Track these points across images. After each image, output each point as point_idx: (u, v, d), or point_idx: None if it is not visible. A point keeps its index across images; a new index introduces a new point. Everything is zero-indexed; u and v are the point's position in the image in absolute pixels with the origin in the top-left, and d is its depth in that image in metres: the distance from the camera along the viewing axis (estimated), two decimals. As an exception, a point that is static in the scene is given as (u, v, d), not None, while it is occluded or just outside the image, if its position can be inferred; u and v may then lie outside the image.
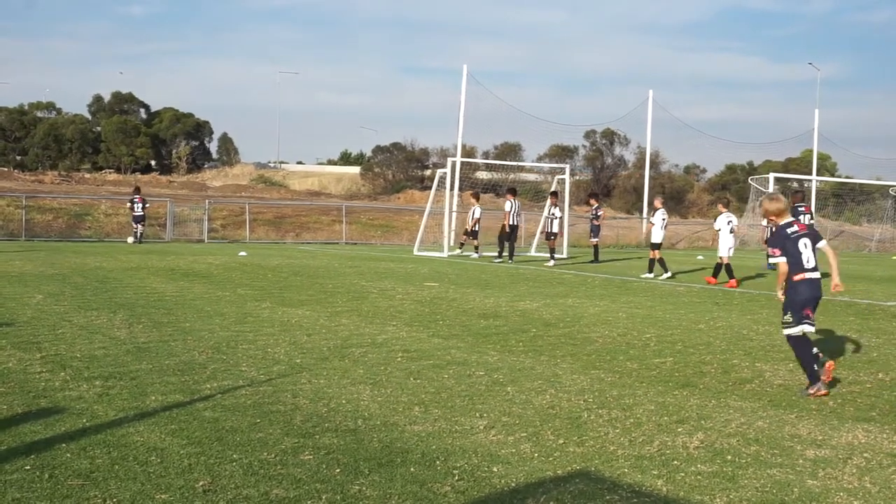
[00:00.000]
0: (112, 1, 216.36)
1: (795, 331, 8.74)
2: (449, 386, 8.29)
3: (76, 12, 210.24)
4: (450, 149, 69.16)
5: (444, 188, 31.41)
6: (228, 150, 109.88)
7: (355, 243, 39.70)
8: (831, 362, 8.73)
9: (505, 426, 6.86)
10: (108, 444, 6.02)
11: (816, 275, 8.75)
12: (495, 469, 5.77)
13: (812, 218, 25.24)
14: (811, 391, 8.40)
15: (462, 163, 32.98)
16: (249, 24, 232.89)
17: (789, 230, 8.83)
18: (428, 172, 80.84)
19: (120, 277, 18.04)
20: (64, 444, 5.99)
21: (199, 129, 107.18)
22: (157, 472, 5.49)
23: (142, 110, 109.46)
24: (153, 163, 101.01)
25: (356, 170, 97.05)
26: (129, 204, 35.29)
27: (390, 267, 23.66)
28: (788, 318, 8.81)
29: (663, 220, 22.83)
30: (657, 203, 23.63)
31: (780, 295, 9.03)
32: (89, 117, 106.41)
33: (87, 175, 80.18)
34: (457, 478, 5.56)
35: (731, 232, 20.91)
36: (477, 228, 29.82)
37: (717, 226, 21.33)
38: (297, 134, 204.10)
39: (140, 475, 5.41)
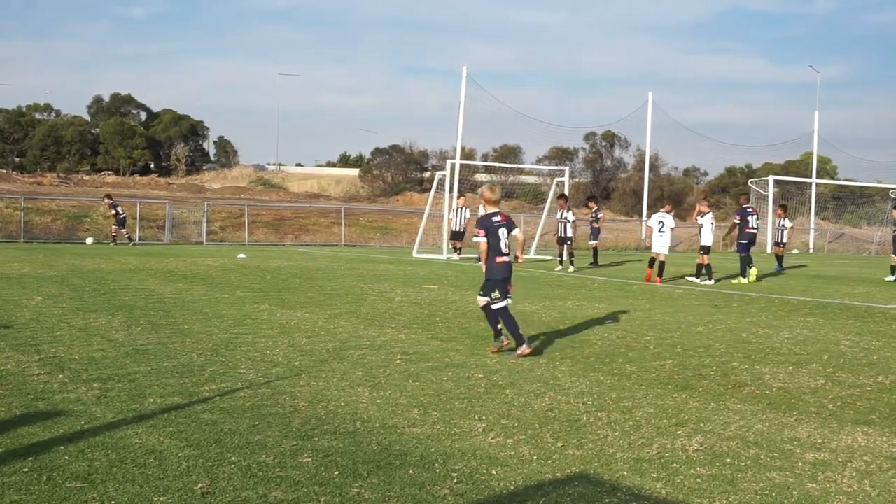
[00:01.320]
0: (112, 2, 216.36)
1: (504, 304, 10.44)
2: (448, 388, 8.28)
3: (76, 13, 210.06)
4: (449, 151, 69.21)
5: (444, 190, 31.41)
6: (227, 152, 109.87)
7: (354, 245, 39.71)
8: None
9: (504, 429, 6.85)
10: (107, 447, 6.00)
11: (509, 259, 10.56)
12: (494, 472, 5.75)
13: (758, 219, 25.95)
14: (519, 351, 10.14)
15: (461, 165, 32.93)
16: (249, 25, 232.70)
17: (494, 219, 10.46)
18: (427, 175, 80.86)
19: (119, 279, 18.03)
20: (62, 447, 5.97)
21: (194, 131, 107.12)
22: (155, 474, 5.48)
23: (141, 112, 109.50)
24: (152, 164, 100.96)
25: (355, 172, 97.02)
26: (113, 211, 34.60)
27: (389, 269, 23.66)
28: (497, 294, 10.46)
29: (712, 223, 22.73)
30: (704, 206, 23.17)
31: (483, 267, 10.67)
32: (88, 119, 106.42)
33: (86, 177, 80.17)
34: (456, 480, 5.55)
35: (660, 232, 21.67)
36: (463, 230, 29.69)
37: (649, 223, 22.81)
38: (296, 136, 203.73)
39: (138, 477, 5.40)
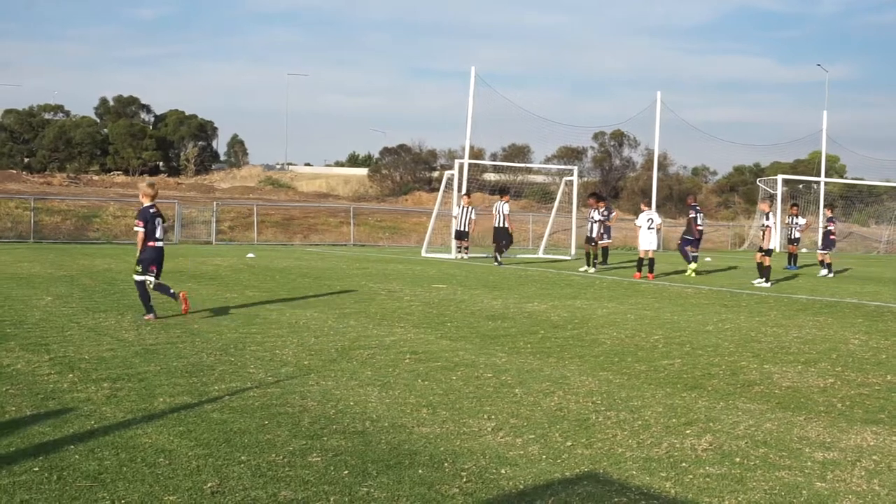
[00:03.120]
0: (120, 4, 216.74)
1: (142, 279, 12.45)
2: (457, 388, 8.29)
3: (85, 15, 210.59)
4: (457, 150, 69.14)
5: (452, 190, 31.40)
6: (237, 152, 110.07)
7: (363, 245, 39.73)
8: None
9: (513, 428, 6.85)
10: (117, 446, 6.02)
11: (161, 244, 12.73)
12: (503, 471, 5.76)
13: (704, 217, 27.40)
14: (147, 317, 12.21)
15: (470, 164, 32.92)
16: (257, 26, 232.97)
17: (151, 210, 12.53)
18: (436, 174, 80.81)
19: (128, 279, 18.01)
20: (72, 446, 5.99)
21: (203, 130, 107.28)
22: (165, 473, 5.50)
23: (146, 113, 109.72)
24: (161, 164, 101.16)
25: (364, 171, 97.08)
26: None
27: (398, 268, 23.67)
28: (141, 269, 12.48)
29: (776, 223, 22.58)
30: (766, 206, 22.86)
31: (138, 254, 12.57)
32: (97, 120, 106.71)
33: (96, 177, 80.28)
34: (465, 480, 5.55)
35: (649, 229, 22.70)
36: (468, 229, 29.56)
37: (637, 223, 23.40)
38: (304, 136, 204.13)
39: (148, 477, 5.42)
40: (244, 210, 44.10)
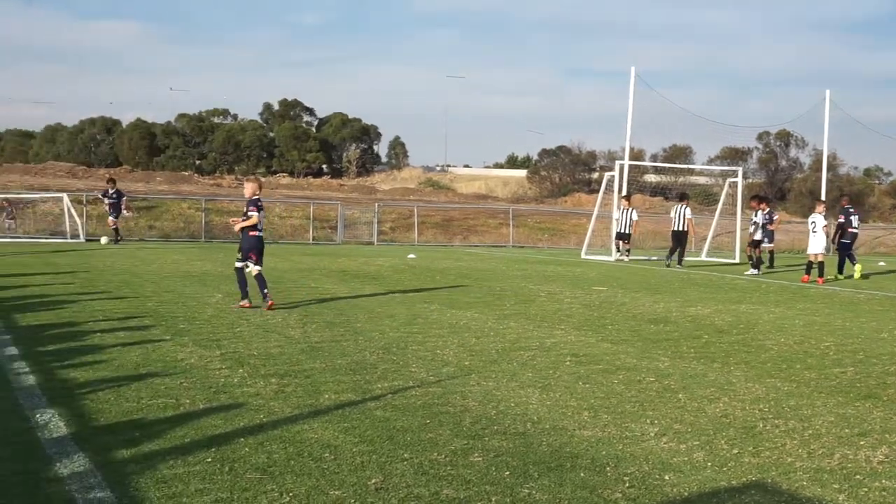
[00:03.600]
0: (285, 10, 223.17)
1: (241, 265, 13.48)
2: (618, 391, 8.18)
3: (251, 21, 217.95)
4: (617, 151, 68.49)
5: (612, 191, 31.06)
6: (398, 154, 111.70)
7: (522, 246, 39.71)
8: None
9: (676, 434, 6.72)
10: (285, 440, 6.18)
11: (261, 234, 13.76)
12: (667, 477, 5.65)
13: (859, 219, 26.61)
14: (242, 304, 13.17)
15: (630, 166, 32.47)
16: (417, 29, 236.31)
17: (259, 203, 13.72)
18: (595, 175, 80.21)
19: (294, 278, 18.56)
20: (242, 439, 6.18)
21: (366, 133, 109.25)
22: (330, 468, 5.61)
23: (309, 115, 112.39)
24: (324, 167, 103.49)
25: (523, 173, 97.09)
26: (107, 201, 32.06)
27: (558, 270, 23.57)
28: (241, 256, 13.55)
29: None
30: None
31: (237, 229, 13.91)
32: (263, 124, 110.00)
33: (262, 179, 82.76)
34: (627, 485, 5.47)
35: (813, 232, 22.01)
36: (629, 231, 29.15)
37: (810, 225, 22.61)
38: (463, 137, 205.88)
39: (315, 471, 5.54)
40: (405, 211, 44.72)
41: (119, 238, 30.52)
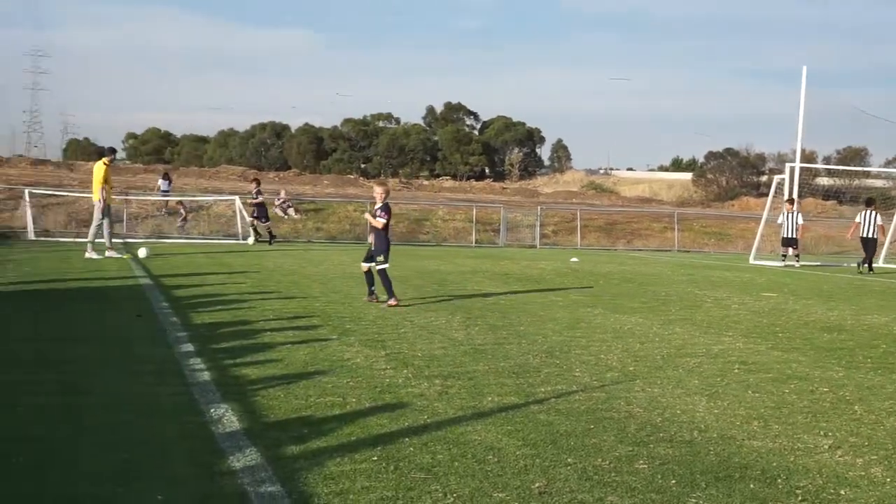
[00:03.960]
0: (446, 14, 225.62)
1: (385, 266, 13.96)
2: (790, 401, 7.91)
3: (412, 26, 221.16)
4: (787, 153, 66.46)
5: (782, 195, 30.13)
6: (560, 157, 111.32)
7: (687, 251, 38.96)
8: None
9: (852, 447, 6.44)
10: (448, 441, 6.22)
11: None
12: (843, 492, 5.42)
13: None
14: (391, 303, 13.62)
15: (801, 168, 31.41)
16: (581, 31, 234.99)
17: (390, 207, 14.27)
18: (764, 178, 78.05)
19: (457, 280, 18.69)
20: (407, 439, 6.25)
21: (530, 137, 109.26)
22: (494, 470, 5.61)
23: (472, 119, 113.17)
24: (487, 170, 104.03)
25: (688, 176, 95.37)
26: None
27: (724, 276, 23.00)
28: (383, 259, 13.98)
29: None
30: None
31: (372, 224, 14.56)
32: (427, 127, 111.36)
33: (426, 182, 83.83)
34: (800, 498, 5.28)
35: None
36: (797, 236, 28.19)
37: None
38: (626, 140, 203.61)
39: (478, 473, 5.55)
40: (567, 215, 44.52)
41: (257, 238, 31.10)
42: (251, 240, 30.91)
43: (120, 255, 21.19)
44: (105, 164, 21.66)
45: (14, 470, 5.29)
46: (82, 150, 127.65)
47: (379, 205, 14.21)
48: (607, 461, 5.87)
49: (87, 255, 20.71)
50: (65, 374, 7.95)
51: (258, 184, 33.14)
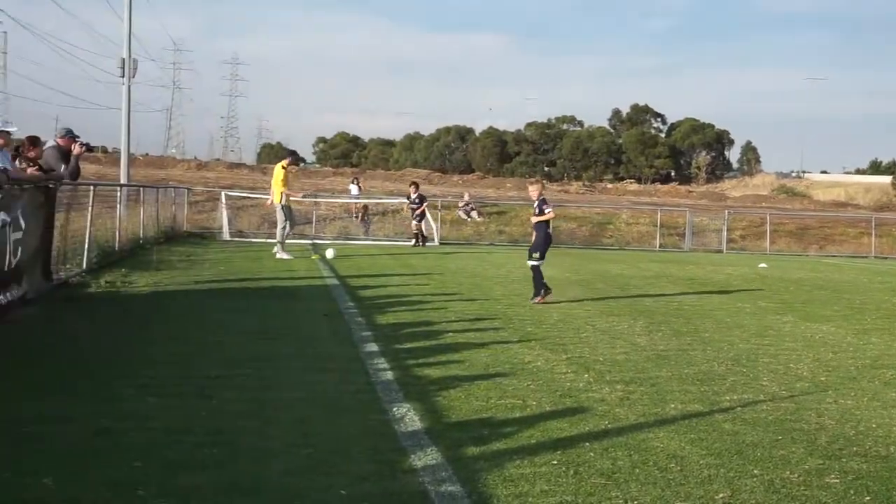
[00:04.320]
0: (633, 16, 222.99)
1: (538, 263, 14.48)
2: None
3: (598, 29, 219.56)
4: None
5: None
6: (749, 160, 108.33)
7: (885, 258, 37.18)
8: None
9: None
10: (629, 447, 6.13)
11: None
12: None
13: None
14: (537, 300, 14.11)
15: None
16: (774, 31, 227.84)
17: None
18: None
19: (640, 285, 18.43)
20: (587, 444, 6.19)
21: (718, 140, 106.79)
22: (676, 479, 5.49)
23: (658, 121, 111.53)
24: (672, 173, 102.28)
25: (887, 179, 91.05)
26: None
27: (925, 284, 21.84)
28: (538, 255, 14.56)
29: None
30: None
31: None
32: (611, 130, 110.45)
33: (609, 185, 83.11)
34: None
35: None
36: None
37: None
38: (821, 142, 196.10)
39: (660, 481, 5.45)
40: (756, 219, 43.26)
41: (422, 242, 30.63)
42: (330, 252, 30.38)
43: (290, 258, 21.25)
44: (283, 167, 22.22)
45: (207, 461, 5.51)
46: (275, 154, 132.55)
47: (537, 202, 14.85)
48: (796, 474, 5.66)
49: (278, 255, 21.29)
50: (256, 370, 8.24)
51: (416, 187, 32.43)
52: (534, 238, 15.08)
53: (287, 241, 22.49)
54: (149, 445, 5.73)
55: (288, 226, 22.09)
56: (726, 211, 41.12)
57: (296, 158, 24.87)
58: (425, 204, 31.49)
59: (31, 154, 12.35)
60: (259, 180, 52.15)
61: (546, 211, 14.70)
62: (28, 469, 5.17)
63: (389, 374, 8.33)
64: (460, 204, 40.54)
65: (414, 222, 31.26)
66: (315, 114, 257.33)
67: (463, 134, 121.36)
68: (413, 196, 31.49)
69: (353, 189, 37.81)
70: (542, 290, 14.33)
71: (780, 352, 10.41)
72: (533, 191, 15.08)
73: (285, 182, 21.96)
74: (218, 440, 5.92)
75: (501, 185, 70.00)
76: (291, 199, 22.81)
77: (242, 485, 5.12)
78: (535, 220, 14.99)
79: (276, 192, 21.96)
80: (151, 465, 5.35)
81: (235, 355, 8.92)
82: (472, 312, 12.90)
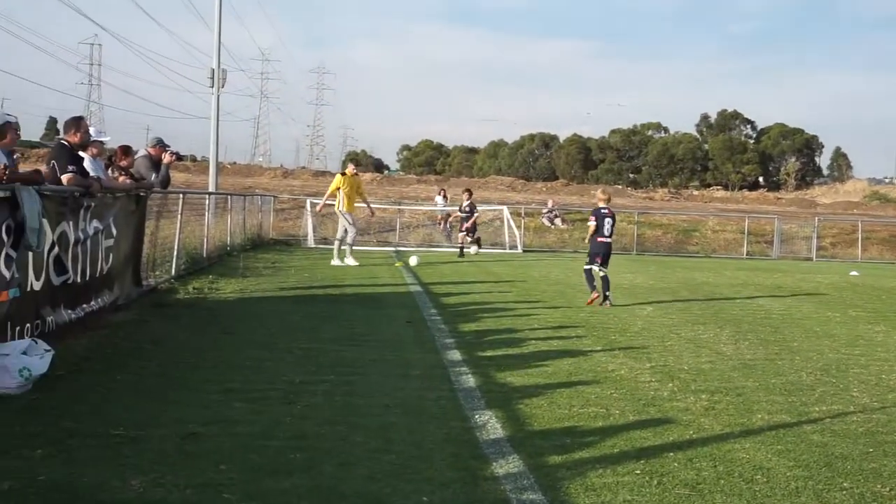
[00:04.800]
0: (721, 20, 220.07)
1: (588, 267, 15.38)
2: None
3: (686, 34, 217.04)
4: None
5: None
6: (840, 166, 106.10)
7: (982, 266, 36.03)
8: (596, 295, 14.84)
9: None
10: (714, 458, 6.04)
11: (608, 240, 15.44)
12: None
13: None
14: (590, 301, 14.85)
15: None
16: (866, 33, 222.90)
17: (603, 210, 15.37)
18: None
19: (726, 293, 18.17)
20: (671, 453, 6.12)
21: (808, 145, 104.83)
22: (762, 491, 5.40)
23: (748, 127, 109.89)
24: (760, 179, 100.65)
25: None
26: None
27: None
28: (588, 259, 15.44)
29: None
30: None
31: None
32: (698, 136, 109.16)
33: (695, 192, 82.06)
34: None
35: None
36: None
37: None
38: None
39: (745, 492, 5.36)
40: (847, 226, 42.31)
41: (461, 253, 27.94)
42: (474, 249, 28.70)
43: (343, 264, 20.93)
44: (344, 174, 22.10)
45: (291, 465, 5.57)
46: (359, 162, 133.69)
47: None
48: (887, 488, 5.52)
49: (347, 261, 21.17)
50: (340, 376, 8.32)
51: (470, 195, 29.85)
52: (591, 245, 15.85)
53: (341, 248, 21.57)
54: (234, 450, 5.82)
55: (348, 233, 21.56)
56: (816, 218, 40.29)
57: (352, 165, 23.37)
58: (476, 216, 29.37)
59: (124, 163, 12.67)
60: (344, 188, 52.60)
61: (589, 224, 15.89)
62: (117, 472, 5.29)
63: (472, 381, 8.34)
64: (544, 211, 40.39)
65: (460, 234, 28.73)
66: (399, 121, 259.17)
67: (547, 141, 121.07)
68: (465, 204, 28.98)
69: (440, 201, 37.86)
70: (592, 289, 15.16)
71: (871, 362, 10.17)
72: (600, 197, 15.87)
73: (341, 190, 21.58)
74: (302, 445, 5.99)
75: (586, 192, 69.58)
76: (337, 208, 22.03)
77: (325, 490, 5.17)
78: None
79: (337, 201, 21.69)
80: (237, 469, 5.43)
81: (319, 361, 9.01)
82: (555, 320, 12.85)
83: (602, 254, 15.32)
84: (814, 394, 8.30)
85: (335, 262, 21.19)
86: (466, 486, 5.33)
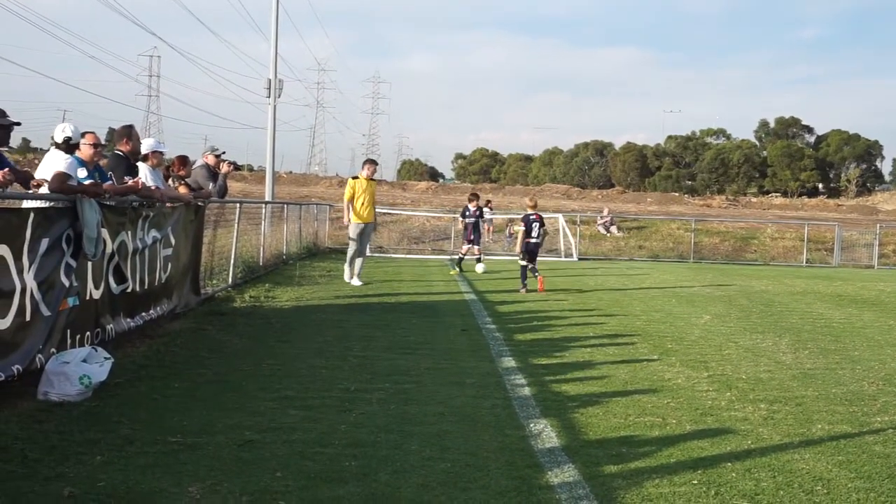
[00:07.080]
0: (782, 27, 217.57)
1: (524, 264, 18.45)
2: None
3: (745, 41, 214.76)
4: None
5: None
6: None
7: None
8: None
9: None
10: (773, 469, 5.95)
11: (535, 241, 18.52)
12: None
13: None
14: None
15: None
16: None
17: (531, 217, 18.46)
18: None
19: (785, 301, 17.92)
20: (729, 463, 6.04)
21: (868, 151, 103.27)
22: (822, 502, 5.31)
23: (807, 133, 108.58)
24: (820, 186, 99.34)
25: None
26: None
27: None
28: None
29: None
30: None
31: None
32: (756, 143, 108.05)
33: (753, 199, 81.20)
34: None
35: None
36: None
37: None
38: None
39: (805, 503, 5.27)
40: (910, 233, 41.58)
41: (458, 266, 23.73)
42: (480, 268, 23.13)
43: (359, 283, 17.99)
44: (355, 178, 19.03)
45: (346, 473, 5.59)
46: (414, 171, 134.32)
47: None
48: (953, 500, 5.40)
49: (345, 278, 18.55)
50: (395, 384, 8.33)
51: (477, 198, 25.30)
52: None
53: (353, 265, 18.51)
54: (290, 457, 5.86)
55: (352, 248, 18.50)
56: (878, 225, 39.62)
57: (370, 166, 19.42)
58: (485, 222, 26.95)
59: (182, 172, 12.84)
60: (399, 196, 52.95)
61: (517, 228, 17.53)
62: (175, 478, 5.34)
63: (527, 390, 8.31)
64: (599, 219, 40.20)
65: (465, 246, 24.20)
66: (453, 130, 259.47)
67: (601, 149, 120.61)
68: (471, 210, 24.14)
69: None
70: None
71: (935, 372, 9.97)
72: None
73: (354, 198, 18.57)
74: (357, 453, 6.00)
75: (642, 200, 69.18)
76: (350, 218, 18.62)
77: (380, 498, 5.18)
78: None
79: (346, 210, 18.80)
80: (292, 477, 5.46)
81: (374, 369, 9.03)
82: (610, 328, 12.77)
83: (532, 252, 18.52)
84: (875, 404, 8.15)
85: (355, 282, 18.13)
86: (521, 496, 5.30)
